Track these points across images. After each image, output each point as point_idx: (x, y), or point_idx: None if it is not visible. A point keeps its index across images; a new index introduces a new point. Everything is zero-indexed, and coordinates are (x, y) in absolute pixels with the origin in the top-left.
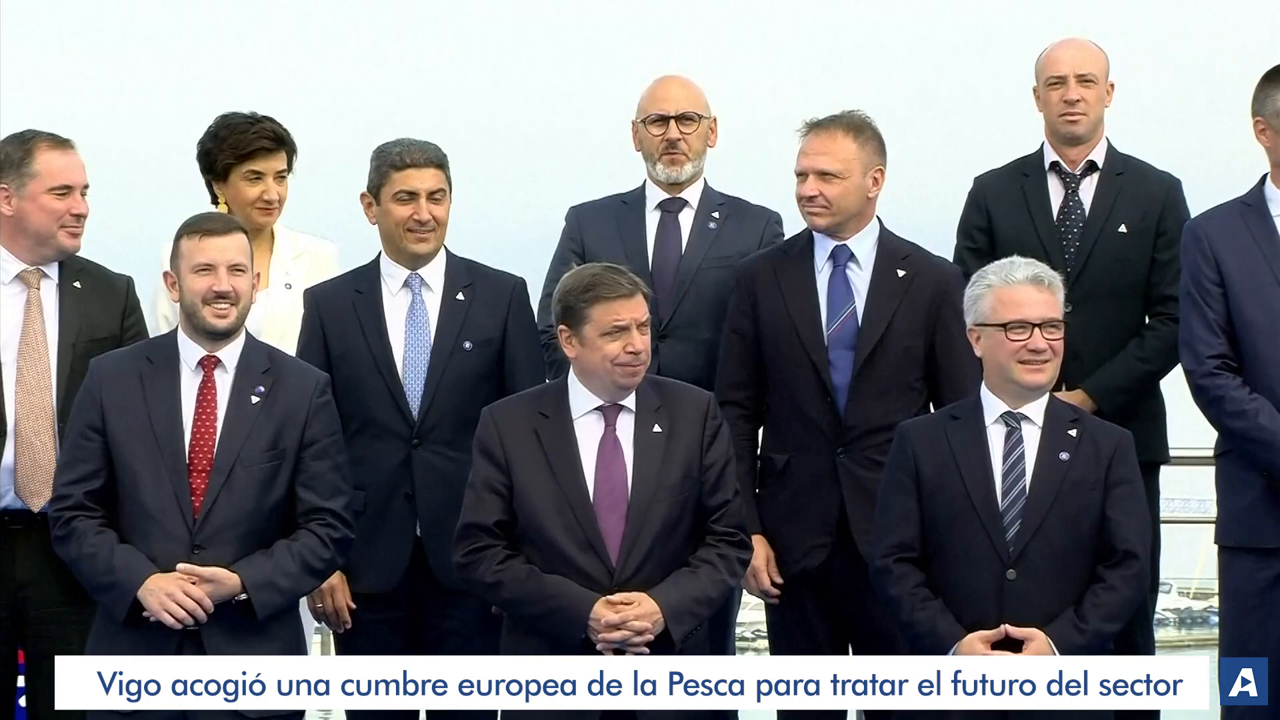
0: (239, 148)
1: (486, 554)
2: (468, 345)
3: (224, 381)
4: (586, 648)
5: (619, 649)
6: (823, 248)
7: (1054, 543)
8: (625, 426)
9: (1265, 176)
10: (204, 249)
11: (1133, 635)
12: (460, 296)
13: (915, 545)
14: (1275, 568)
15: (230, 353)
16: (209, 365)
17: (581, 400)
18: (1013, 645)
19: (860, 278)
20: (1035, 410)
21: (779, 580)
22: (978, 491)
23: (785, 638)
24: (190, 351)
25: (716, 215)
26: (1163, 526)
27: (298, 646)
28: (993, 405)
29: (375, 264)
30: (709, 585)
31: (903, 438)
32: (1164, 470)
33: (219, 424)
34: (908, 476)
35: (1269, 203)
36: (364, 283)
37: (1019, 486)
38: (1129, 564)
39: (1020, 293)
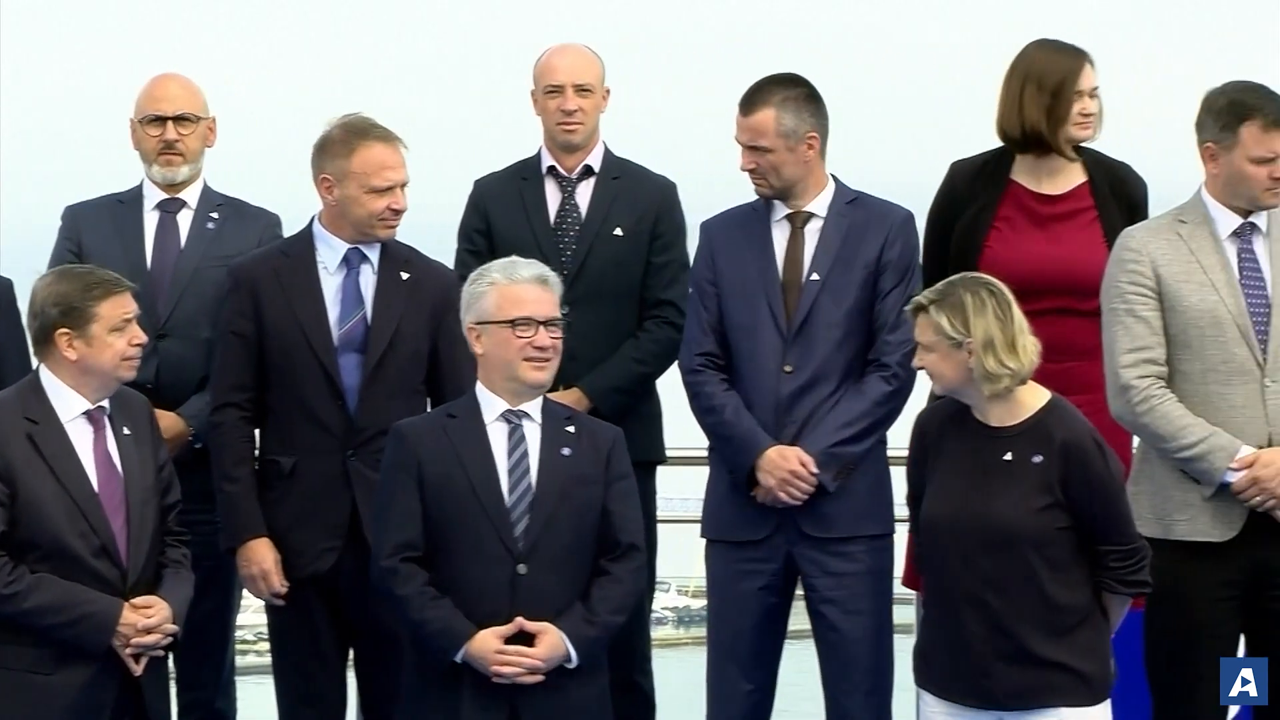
0: None
1: None
2: None
3: None
4: (108, 653)
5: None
6: (331, 250)
7: (562, 537)
8: (104, 429)
9: None
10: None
11: (630, 633)
12: None
13: (420, 544)
14: (742, 563)
15: None
16: None
17: (69, 403)
18: (525, 639)
19: (369, 281)
20: (534, 408)
21: (286, 584)
22: (484, 489)
23: (289, 641)
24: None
25: (215, 215)
26: (660, 525)
27: None
28: (491, 403)
29: None
30: (189, 585)
31: (400, 437)
32: (660, 470)
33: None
34: (409, 475)
35: (772, 208)
36: None
37: (525, 482)
38: (632, 556)
39: (525, 290)
